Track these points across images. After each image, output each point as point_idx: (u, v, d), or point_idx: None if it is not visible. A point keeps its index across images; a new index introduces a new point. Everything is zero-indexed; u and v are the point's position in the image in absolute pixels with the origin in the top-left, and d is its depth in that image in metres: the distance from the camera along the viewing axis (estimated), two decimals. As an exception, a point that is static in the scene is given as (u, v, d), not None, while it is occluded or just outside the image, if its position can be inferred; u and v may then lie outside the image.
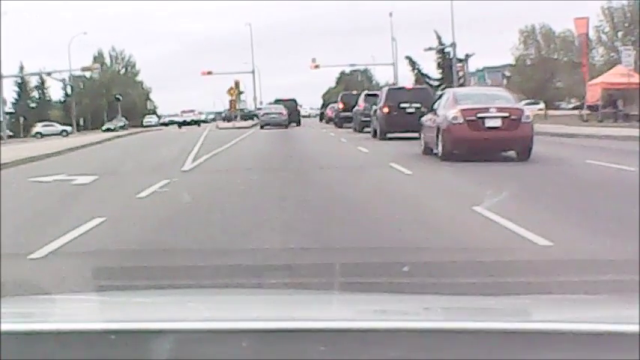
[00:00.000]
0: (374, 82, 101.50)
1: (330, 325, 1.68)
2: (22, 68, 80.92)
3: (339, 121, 45.96)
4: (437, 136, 17.91)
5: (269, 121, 49.83)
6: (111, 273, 6.18)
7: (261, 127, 48.61)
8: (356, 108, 38.40)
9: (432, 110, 19.45)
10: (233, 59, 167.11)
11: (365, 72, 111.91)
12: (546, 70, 62.32)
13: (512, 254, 6.96)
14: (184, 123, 69.41)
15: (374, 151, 22.52)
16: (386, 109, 28.55)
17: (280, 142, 30.26)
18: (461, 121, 17.18)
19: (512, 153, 17.64)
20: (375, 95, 34.77)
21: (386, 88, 32.61)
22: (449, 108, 17.88)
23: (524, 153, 17.27)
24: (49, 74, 77.03)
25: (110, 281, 5.65)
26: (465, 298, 3.17)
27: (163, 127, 71.82)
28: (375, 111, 30.09)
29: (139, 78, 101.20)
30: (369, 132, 32.44)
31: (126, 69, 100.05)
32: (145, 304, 2.37)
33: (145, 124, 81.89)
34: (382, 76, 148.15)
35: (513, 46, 66.98)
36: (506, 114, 17.32)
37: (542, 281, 5.73)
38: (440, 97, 20.02)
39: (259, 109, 63.36)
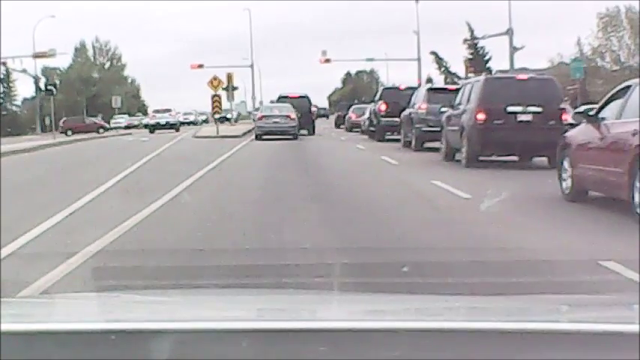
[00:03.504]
0: (379, 84, 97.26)
1: (330, 325, 1.69)
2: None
3: (380, 131, 30.24)
4: (629, 173, 9.07)
5: (270, 128, 33.35)
6: (111, 273, 6.19)
7: (257, 138, 33.05)
8: (410, 111, 24.93)
9: (592, 118, 10.90)
10: (233, 58, 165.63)
11: (371, 73, 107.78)
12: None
13: (512, 254, 6.97)
14: (157, 126, 51.64)
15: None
16: (482, 116, 17.00)
17: (298, 202, 11.12)
18: None
19: None
20: (447, 90, 23.88)
21: (482, 79, 18.77)
22: None
23: None
24: (3, 63, 66.64)
25: (110, 281, 5.64)
26: (465, 298, 3.17)
27: (133, 131, 58.17)
28: (450, 118, 18.86)
29: (126, 73, 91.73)
30: (430, 148, 21.81)
31: (111, 62, 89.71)
32: (145, 304, 2.37)
33: (112, 125, 66.74)
34: (392, 78, 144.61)
35: (591, 34, 51.45)
36: None
37: (541, 281, 5.73)
38: (622, 93, 10.40)
39: (257, 109, 48.38)
